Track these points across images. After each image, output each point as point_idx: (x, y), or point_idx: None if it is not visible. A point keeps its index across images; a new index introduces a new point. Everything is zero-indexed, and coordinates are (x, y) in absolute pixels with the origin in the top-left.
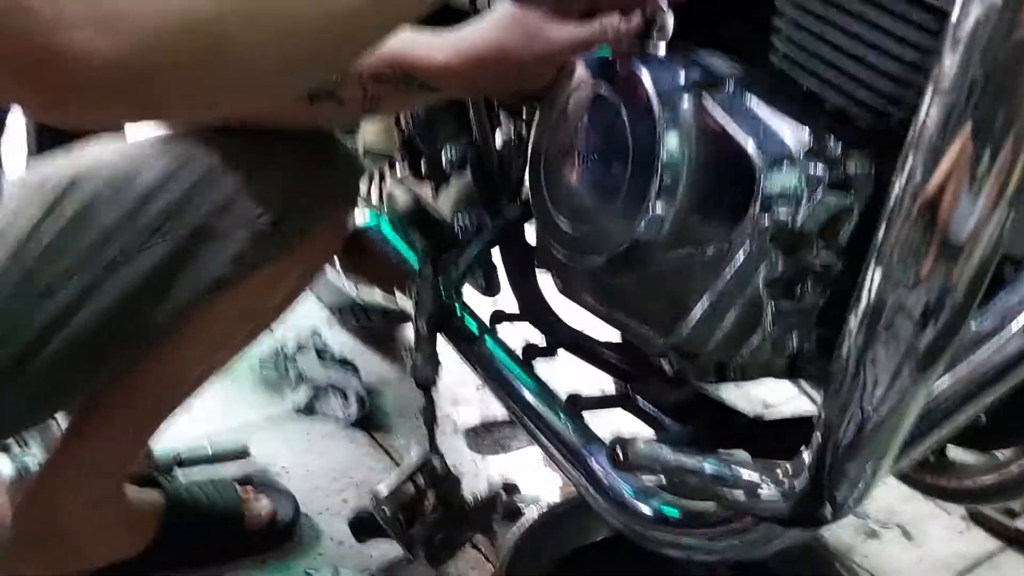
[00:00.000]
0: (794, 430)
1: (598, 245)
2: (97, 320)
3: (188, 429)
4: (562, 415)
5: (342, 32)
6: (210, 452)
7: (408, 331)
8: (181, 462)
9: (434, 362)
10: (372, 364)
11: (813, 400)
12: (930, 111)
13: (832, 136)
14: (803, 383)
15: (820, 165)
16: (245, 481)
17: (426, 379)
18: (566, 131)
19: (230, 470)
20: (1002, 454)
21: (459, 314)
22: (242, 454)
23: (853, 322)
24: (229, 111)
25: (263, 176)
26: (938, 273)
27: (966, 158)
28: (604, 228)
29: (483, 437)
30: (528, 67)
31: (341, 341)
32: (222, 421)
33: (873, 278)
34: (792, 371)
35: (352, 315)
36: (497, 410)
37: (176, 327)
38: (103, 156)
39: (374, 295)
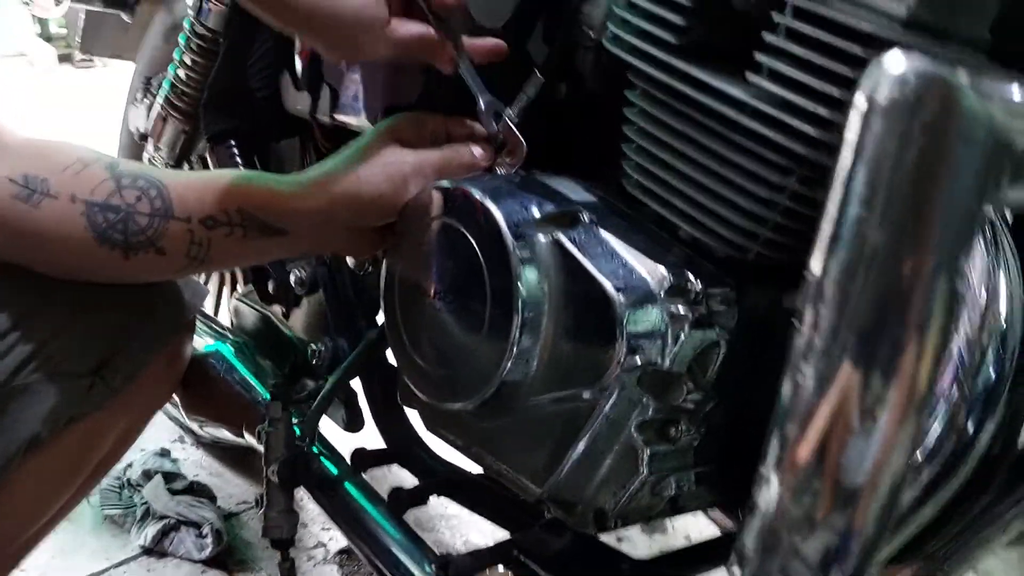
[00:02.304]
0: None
1: (463, 389)
2: None
3: None
4: None
5: None
6: None
7: None
8: None
9: (291, 518)
10: (230, 485)
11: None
12: (806, 333)
13: (691, 272)
14: None
15: (682, 303)
16: None
17: (283, 538)
18: (419, 264)
19: None
20: None
21: (317, 458)
22: None
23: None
24: None
25: (81, 319)
26: (837, 520)
27: (853, 388)
28: (468, 371)
29: (358, 564)
30: (384, 196)
31: (196, 460)
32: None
33: (757, 525)
34: (674, 510)
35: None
36: None
37: None
38: None
39: (220, 432)
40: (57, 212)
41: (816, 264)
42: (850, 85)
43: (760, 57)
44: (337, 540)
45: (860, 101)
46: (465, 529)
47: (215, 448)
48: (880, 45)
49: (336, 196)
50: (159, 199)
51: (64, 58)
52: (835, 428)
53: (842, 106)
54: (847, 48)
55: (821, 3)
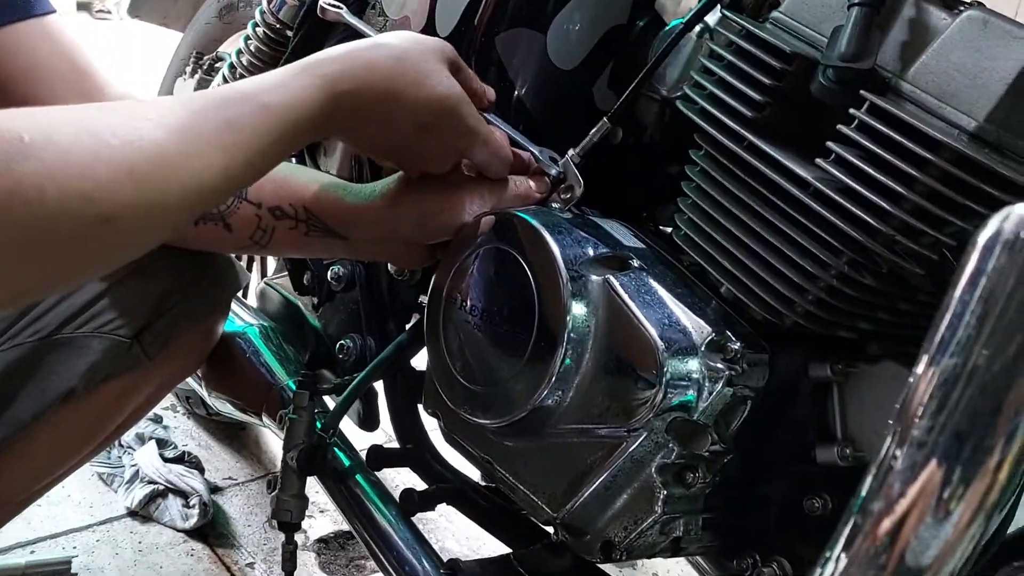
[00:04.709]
0: None
1: (495, 407)
2: None
3: (2, 535)
4: None
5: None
6: (24, 567)
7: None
8: None
9: (302, 503)
10: (219, 459)
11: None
12: (902, 424)
13: (731, 332)
14: None
15: (720, 360)
16: None
17: (291, 522)
18: (469, 284)
19: None
20: None
21: (334, 451)
22: (63, 571)
23: None
24: None
25: (133, 283)
26: None
27: (935, 482)
28: (503, 391)
29: (336, 554)
30: (444, 220)
31: (186, 429)
32: (42, 524)
33: None
34: (675, 551)
35: (202, 404)
36: None
37: (13, 442)
38: None
39: (229, 409)
40: None
41: (922, 366)
42: (911, 182)
43: (832, 145)
44: (316, 529)
45: (990, 232)
46: (441, 535)
47: (205, 420)
48: (944, 151)
49: (399, 215)
50: None
51: (82, 6)
52: (911, 514)
53: (900, 200)
54: (914, 148)
55: (896, 105)
